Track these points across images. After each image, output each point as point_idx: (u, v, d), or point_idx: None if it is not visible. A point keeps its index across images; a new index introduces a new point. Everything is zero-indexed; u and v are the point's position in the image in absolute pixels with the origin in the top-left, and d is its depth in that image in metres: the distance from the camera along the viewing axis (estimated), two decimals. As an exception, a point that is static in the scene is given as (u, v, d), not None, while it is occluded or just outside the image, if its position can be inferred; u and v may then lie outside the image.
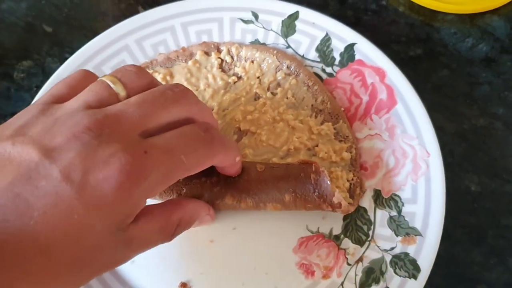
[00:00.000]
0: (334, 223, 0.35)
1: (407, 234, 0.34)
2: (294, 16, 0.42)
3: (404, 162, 0.36)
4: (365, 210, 0.35)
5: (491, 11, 0.44)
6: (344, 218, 0.35)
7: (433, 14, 0.45)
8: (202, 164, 0.28)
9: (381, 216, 0.35)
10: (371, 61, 0.39)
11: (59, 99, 0.27)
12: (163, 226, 0.28)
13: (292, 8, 0.42)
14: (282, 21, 0.42)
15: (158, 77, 0.40)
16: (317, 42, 0.41)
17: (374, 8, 0.46)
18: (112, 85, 0.27)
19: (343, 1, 0.46)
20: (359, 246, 0.34)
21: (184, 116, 0.28)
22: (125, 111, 0.26)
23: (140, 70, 0.29)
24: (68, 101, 0.27)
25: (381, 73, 0.39)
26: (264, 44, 0.42)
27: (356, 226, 0.35)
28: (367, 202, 0.36)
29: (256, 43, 0.42)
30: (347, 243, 0.35)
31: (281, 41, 0.42)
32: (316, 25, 0.41)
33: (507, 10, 0.45)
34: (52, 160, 0.23)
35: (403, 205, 0.35)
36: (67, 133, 0.24)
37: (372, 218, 0.35)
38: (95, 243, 0.24)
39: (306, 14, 0.41)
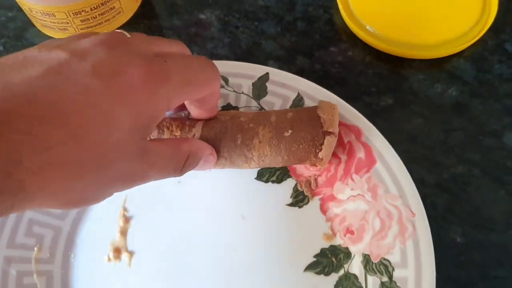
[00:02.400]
0: (325, 293, 0.35)
1: (401, 301, 0.33)
2: (264, 78, 0.41)
3: (390, 223, 0.35)
4: (355, 277, 0.35)
5: (456, 54, 0.45)
6: (336, 287, 0.35)
7: (400, 61, 0.45)
8: (208, 84, 0.31)
9: (372, 283, 0.34)
10: (345, 119, 0.39)
11: None
12: (175, 153, 0.30)
13: (262, 70, 0.41)
14: (253, 83, 0.41)
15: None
16: (290, 102, 0.40)
17: (340, 60, 0.45)
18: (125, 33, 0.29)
19: (310, 55, 0.46)
20: (353, 317, 0.34)
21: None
22: (136, 39, 0.29)
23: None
24: None
25: (356, 131, 0.38)
26: (236, 107, 0.41)
27: (348, 295, 0.34)
28: (357, 268, 0.35)
29: (228, 107, 0.41)
30: (341, 314, 0.34)
31: (254, 103, 0.41)
32: (287, 85, 0.41)
33: (471, 52, 0.45)
34: (81, 59, 0.25)
35: (393, 269, 0.34)
36: (93, 41, 0.26)
37: (363, 285, 0.34)
38: (119, 139, 0.25)
39: (276, 75, 0.41)
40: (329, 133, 0.35)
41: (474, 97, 0.43)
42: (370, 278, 0.34)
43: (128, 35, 0.29)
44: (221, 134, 0.35)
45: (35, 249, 0.36)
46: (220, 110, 0.40)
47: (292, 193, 0.38)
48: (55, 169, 0.22)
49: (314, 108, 0.36)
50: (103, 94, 0.24)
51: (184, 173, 0.32)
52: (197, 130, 0.36)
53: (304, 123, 0.35)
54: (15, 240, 0.36)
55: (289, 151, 0.35)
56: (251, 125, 0.35)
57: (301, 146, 0.35)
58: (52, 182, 0.23)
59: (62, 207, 0.25)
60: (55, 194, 0.24)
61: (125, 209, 0.38)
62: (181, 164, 0.31)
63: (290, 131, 0.35)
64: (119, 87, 0.25)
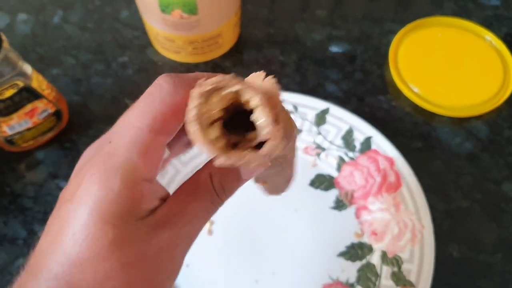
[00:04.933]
0: (349, 274, 0.47)
1: (404, 285, 0.45)
2: (326, 111, 0.54)
3: (405, 231, 0.48)
4: (374, 266, 0.47)
5: (475, 117, 0.58)
6: (358, 271, 0.47)
7: (432, 115, 0.58)
8: None
9: (386, 271, 0.46)
10: (383, 151, 0.52)
11: None
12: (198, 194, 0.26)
13: (324, 105, 0.55)
14: (316, 114, 0.55)
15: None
16: (343, 132, 0.53)
17: (386, 107, 0.59)
18: None
19: (362, 99, 0.59)
20: (368, 293, 0.46)
21: None
22: None
23: None
24: None
25: (391, 161, 0.51)
26: (300, 130, 0.54)
27: (367, 278, 0.47)
28: (376, 260, 0.47)
29: (294, 129, 0.54)
30: (359, 290, 0.46)
31: (314, 129, 0.54)
32: (342, 119, 0.54)
33: (488, 117, 0.58)
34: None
35: (402, 263, 0.46)
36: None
37: (379, 272, 0.47)
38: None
39: (335, 110, 0.54)
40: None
41: (484, 151, 0.55)
42: (385, 268, 0.47)
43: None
44: None
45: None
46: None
47: (335, 200, 0.51)
48: None
49: None
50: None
51: (228, 195, 0.27)
52: None
53: None
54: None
55: None
56: None
57: None
58: None
59: None
60: None
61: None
62: (213, 195, 0.26)
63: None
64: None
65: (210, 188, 0.26)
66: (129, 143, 0.23)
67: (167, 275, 0.25)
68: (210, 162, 0.26)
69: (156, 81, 0.24)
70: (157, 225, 0.23)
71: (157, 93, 0.23)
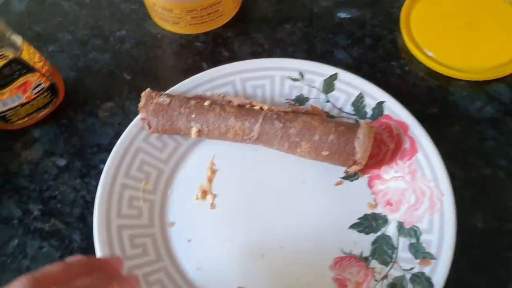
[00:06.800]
0: (363, 247, 0.43)
1: (424, 257, 0.41)
2: (334, 77, 0.51)
3: (422, 199, 0.44)
4: (389, 237, 0.43)
5: (497, 79, 0.53)
6: (373, 243, 0.43)
7: (448, 79, 0.54)
8: None
9: (403, 243, 0.43)
10: (397, 116, 0.48)
11: None
12: None
13: (333, 70, 0.51)
14: (324, 80, 0.51)
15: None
16: (353, 98, 0.50)
17: (399, 73, 0.55)
18: None
19: (373, 66, 0.55)
20: (384, 266, 0.42)
21: None
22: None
23: None
24: None
25: (405, 127, 0.47)
26: (307, 98, 0.51)
27: (383, 251, 0.43)
28: (391, 231, 0.44)
29: (301, 97, 0.51)
30: (374, 263, 0.43)
31: (322, 96, 0.51)
32: (352, 84, 0.50)
33: (510, 78, 0.53)
34: None
35: (421, 234, 0.43)
36: None
37: (395, 244, 0.43)
38: None
39: (344, 75, 0.51)
40: (358, 162, 0.44)
41: (507, 115, 0.51)
42: (402, 239, 0.43)
43: None
44: (274, 139, 0.46)
45: (143, 182, 0.47)
46: (295, 105, 0.50)
47: (345, 170, 0.47)
48: None
49: (353, 136, 0.44)
50: None
51: None
52: (256, 133, 0.46)
53: (341, 149, 0.44)
54: (130, 173, 0.47)
55: (324, 160, 0.46)
56: (297, 139, 0.45)
57: (333, 162, 0.46)
58: None
59: None
60: None
61: (213, 164, 0.48)
62: None
63: (327, 152, 0.45)
64: None
65: None
66: None
67: None
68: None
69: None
70: None
71: None
